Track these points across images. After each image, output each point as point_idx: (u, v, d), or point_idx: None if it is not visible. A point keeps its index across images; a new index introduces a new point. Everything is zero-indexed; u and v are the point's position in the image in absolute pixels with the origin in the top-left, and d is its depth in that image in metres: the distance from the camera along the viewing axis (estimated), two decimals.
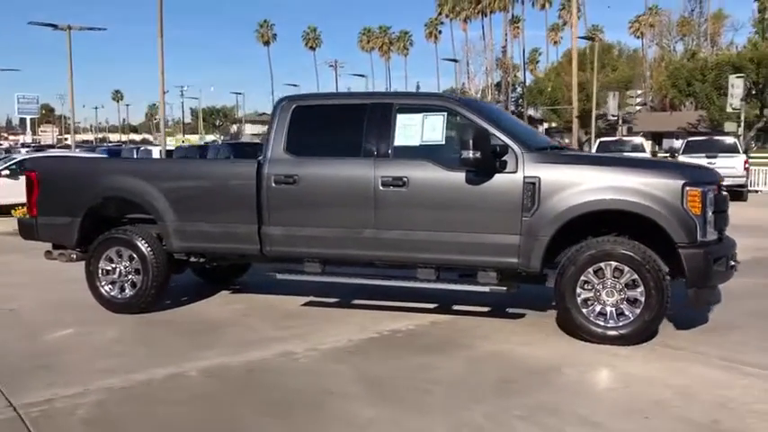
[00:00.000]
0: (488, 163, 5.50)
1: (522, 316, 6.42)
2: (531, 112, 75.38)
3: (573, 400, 4.35)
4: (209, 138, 78.05)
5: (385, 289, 6.87)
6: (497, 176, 5.59)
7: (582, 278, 5.47)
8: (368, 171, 5.92)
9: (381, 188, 5.87)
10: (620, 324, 5.40)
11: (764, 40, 63.26)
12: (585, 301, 5.49)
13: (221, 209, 6.39)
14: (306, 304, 7.01)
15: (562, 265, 5.54)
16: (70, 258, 7.09)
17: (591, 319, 5.47)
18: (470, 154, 5.38)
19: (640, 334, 5.38)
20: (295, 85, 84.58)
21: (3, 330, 6.21)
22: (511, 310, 6.57)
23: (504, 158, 5.58)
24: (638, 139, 25.33)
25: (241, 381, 4.82)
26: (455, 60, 70.52)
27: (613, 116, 33.26)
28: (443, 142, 5.90)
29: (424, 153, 5.94)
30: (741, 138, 27.72)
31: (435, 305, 6.76)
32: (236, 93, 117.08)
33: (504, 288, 5.74)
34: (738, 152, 20.99)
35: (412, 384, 4.67)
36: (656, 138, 57.33)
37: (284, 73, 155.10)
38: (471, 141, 5.37)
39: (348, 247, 6.06)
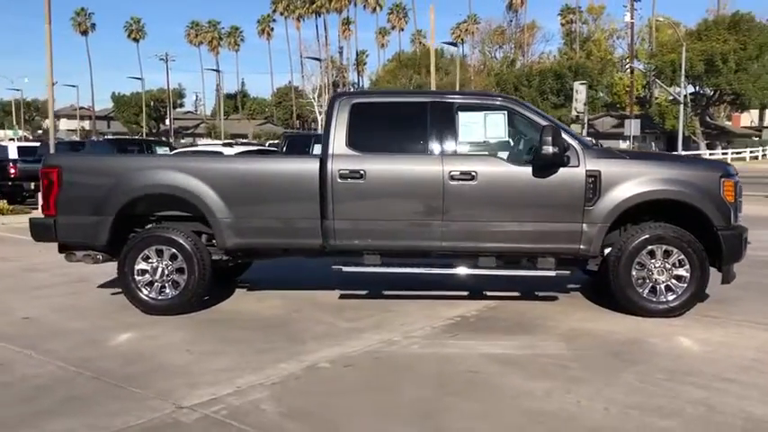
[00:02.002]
0: (560, 158, 6.05)
1: (555, 298, 7.03)
2: None
3: (689, 363, 5.02)
4: (21, 133, 71.72)
5: (403, 278, 7.16)
6: (562, 170, 6.15)
7: (637, 260, 6.19)
8: (436, 166, 6.23)
9: (450, 182, 6.20)
10: (670, 299, 6.19)
11: (572, 50, 70.20)
12: (638, 279, 6.22)
13: (281, 204, 6.37)
14: (343, 297, 7.14)
15: (619, 248, 6.21)
16: (96, 260, 6.67)
17: (644, 295, 6.21)
18: (550, 149, 5.90)
19: (685, 306, 6.20)
20: (139, 78, 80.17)
21: (53, 339, 5.72)
22: (541, 294, 7.18)
23: (567, 154, 6.16)
24: None
25: (380, 367, 4.95)
26: (318, 59, 70.33)
27: None
28: (506, 139, 6.36)
29: (489, 149, 6.38)
30: None
31: (467, 292, 7.21)
32: (71, 85, 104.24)
33: (569, 271, 6.33)
34: None
35: (542, 360, 5.10)
36: None
37: (105, 65, 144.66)
38: (551, 138, 5.89)
39: (416, 238, 6.33)
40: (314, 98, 75.78)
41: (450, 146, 6.30)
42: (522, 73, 53.32)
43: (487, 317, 6.34)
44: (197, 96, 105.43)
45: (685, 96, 48.11)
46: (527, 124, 6.38)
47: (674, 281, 6.19)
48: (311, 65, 75.86)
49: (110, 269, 7.26)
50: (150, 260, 6.45)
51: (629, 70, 47.97)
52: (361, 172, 6.26)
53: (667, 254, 6.18)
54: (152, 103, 75.58)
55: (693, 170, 6.31)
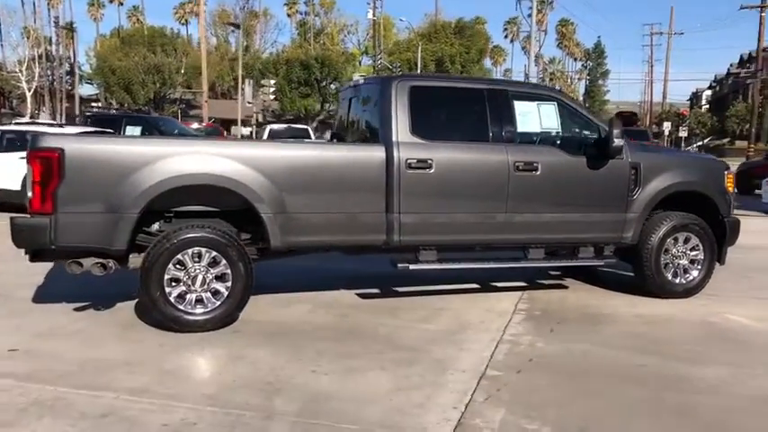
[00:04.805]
0: (621, 150, 6.24)
1: (566, 287, 7.23)
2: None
3: None
4: None
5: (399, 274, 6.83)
6: (611, 162, 6.33)
7: (664, 247, 6.65)
8: (503, 156, 6.01)
9: (515, 173, 6.04)
10: (688, 281, 6.76)
11: (306, 41, 71.53)
12: (663, 264, 6.68)
13: (345, 197, 5.63)
14: (362, 296, 6.59)
15: (648, 236, 6.58)
16: (108, 269, 5.25)
17: (668, 279, 6.70)
18: (621, 142, 6.07)
19: (700, 287, 6.80)
20: None
21: (103, 375, 4.38)
22: (547, 282, 7.36)
23: None
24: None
25: (552, 370, 4.65)
26: (71, 29, 60.88)
27: (249, 103, 34.09)
28: (559, 129, 6.36)
29: (544, 139, 6.33)
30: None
31: (478, 285, 7.10)
32: None
33: (614, 260, 6.57)
34: (311, 137, 24.69)
35: (671, 348, 5.24)
36: (226, 124, 59.81)
37: None
38: (619, 131, 6.06)
39: (481, 232, 6.05)
40: (20, 71, 66.77)
41: (510, 135, 6.11)
42: (269, 60, 52.98)
43: (544, 309, 6.28)
44: None
45: None
46: (572, 115, 6.45)
47: (690, 264, 6.77)
48: (16, 34, 66.71)
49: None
50: (184, 267, 5.26)
51: (371, 64, 50.33)
52: (429, 161, 5.79)
53: (687, 240, 6.73)
54: None
55: (706, 163, 6.99)
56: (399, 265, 5.88)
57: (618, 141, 6.07)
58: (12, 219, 5.04)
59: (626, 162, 6.40)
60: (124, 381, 4.27)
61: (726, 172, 6.94)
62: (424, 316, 5.93)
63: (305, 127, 27.73)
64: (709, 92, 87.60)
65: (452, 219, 5.93)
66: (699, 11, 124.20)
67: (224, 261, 5.33)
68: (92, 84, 62.88)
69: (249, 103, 33.50)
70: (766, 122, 51.72)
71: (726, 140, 57.26)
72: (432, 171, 5.79)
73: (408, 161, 5.72)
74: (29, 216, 5.02)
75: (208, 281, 5.31)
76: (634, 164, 6.43)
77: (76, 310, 5.90)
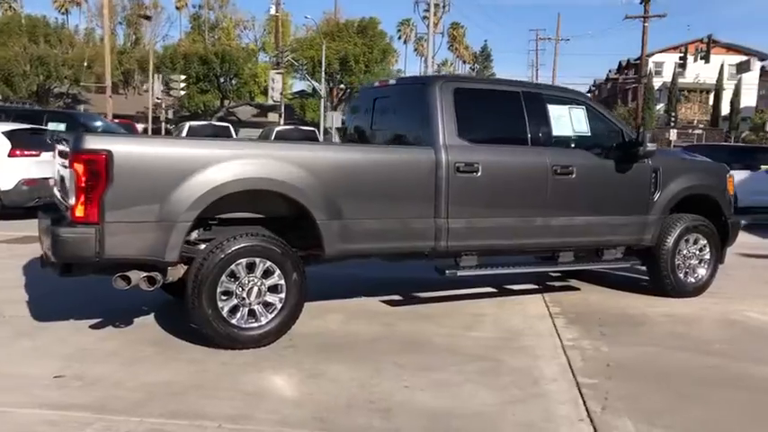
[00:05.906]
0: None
1: (578, 288, 7.32)
2: None
3: None
4: None
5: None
6: (635, 165, 6.45)
7: (677, 248, 6.84)
8: (543, 159, 5.98)
9: (554, 176, 6.02)
10: (697, 279, 7.00)
11: (200, 35, 69.32)
12: (676, 265, 6.88)
13: (395, 202, 5.40)
14: (389, 303, 6.37)
15: (665, 237, 6.75)
16: (156, 283, 4.75)
17: (681, 279, 6.91)
18: (654, 147, 6.20)
19: (707, 286, 7.07)
20: None
21: (179, 402, 3.98)
22: (558, 284, 7.42)
23: None
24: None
25: (645, 375, 4.64)
26: None
27: (158, 99, 32.33)
28: (589, 133, 6.38)
29: (576, 142, 6.34)
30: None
31: (495, 289, 7.07)
32: None
33: (640, 261, 6.70)
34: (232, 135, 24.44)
35: (716, 347, 5.38)
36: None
37: None
38: (650, 135, 6.18)
39: (522, 236, 5.99)
40: None
41: (547, 138, 6.10)
42: (165, 54, 50.79)
43: (577, 312, 6.28)
44: None
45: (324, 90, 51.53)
46: (599, 119, 6.50)
47: (698, 264, 7.01)
48: None
49: None
50: (236, 279, 4.86)
51: (269, 61, 49.37)
52: (476, 165, 5.67)
53: (696, 241, 6.96)
54: None
55: (713, 167, 7.26)
56: (447, 271, 5.72)
57: (651, 145, 6.19)
58: (53, 230, 4.46)
59: (648, 165, 6.53)
60: (212, 407, 3.87)
61: (729, 176, 7.25)
62: (466, 323, 5.80)
63: (226, 125, 26.76)
64: (588, 95, 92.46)
65: (496, 223, 5.83)
66: (585, 19, 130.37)
67: (278, 271, 4.97)
68: None
69: (158, 99, 31.95)
70: (648, 125, 55.07)
71: None
72: (478, 174, 5.67)
73: (456, 164, 5.57)
74: (77, 226, 4.45)
75: (262, 293, 4.93)
76: (654, 167, 6.57)
77: (92, 327, 5.35)
